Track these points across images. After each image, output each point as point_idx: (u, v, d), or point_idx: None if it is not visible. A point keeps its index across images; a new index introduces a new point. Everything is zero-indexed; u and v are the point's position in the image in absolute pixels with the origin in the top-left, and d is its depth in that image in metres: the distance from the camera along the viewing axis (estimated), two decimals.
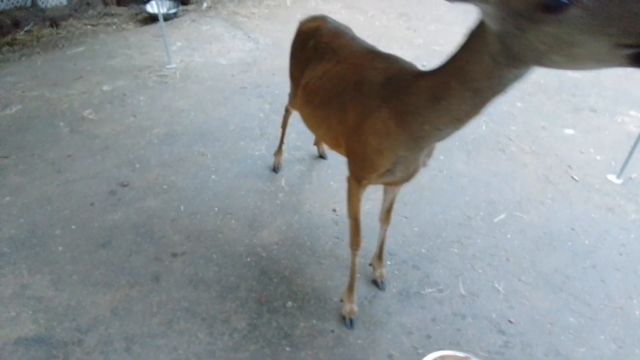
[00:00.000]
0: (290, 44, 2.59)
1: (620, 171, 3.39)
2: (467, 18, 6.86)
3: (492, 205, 3.11)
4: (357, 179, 1.93)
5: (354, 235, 2.15)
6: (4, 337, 2.15)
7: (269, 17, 6.55)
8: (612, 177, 3.42)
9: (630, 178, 3.41)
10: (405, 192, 3.18)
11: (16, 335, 2.16)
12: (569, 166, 3.54)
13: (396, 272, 2.59)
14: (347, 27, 2.37)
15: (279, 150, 3.35)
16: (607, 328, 2.31)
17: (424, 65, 5.16)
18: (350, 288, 2.27)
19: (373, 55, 1.93)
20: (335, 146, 2.12)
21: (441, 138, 1.57)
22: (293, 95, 2.71)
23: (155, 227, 2.84)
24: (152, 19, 6.46)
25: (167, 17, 6.57)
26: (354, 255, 2.21)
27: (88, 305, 2.33)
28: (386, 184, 2.04)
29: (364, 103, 1.75)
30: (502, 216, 3.02)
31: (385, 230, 2.38)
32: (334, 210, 3.01)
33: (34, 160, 3.39)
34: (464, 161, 3.55)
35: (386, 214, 2.32)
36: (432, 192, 3.20)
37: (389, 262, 2.63)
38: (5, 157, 3.39)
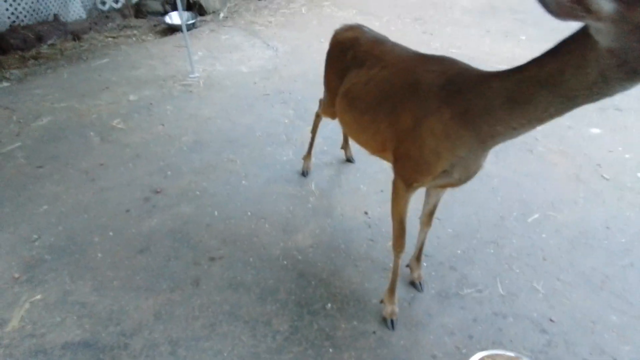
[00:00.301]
0: (326, 53, 2.62)
1: None
2: (483, 21, 6.88)
3: (525, 205, 3.10)
4: (408, 183, 1.92)
5: (399, 238, 2.16)
6: (51, 342, 2.19)
7: (285, 25, 6.62)
8: None
9: None
10: None
11: (63, 340, 2.20)
12: (599, 165, 3.51)
13: (433, 273, 2.59)
14: (384, 36, 2.40)
15: (308, 155, 3.38)
16: None
17: None
18: (392, 289, 2.28)
19: (424, 58, 1.95)
20: (378, 151, 2.13)
21: (512, 137, 1.55)
22: (328, 104, 2.73)
23: (191, 232, 2.88)
24: (171, 30, 6.58)
25: (187, 28, 6.68)
26: (397, 257, 2.22)
27: (131, 310, 2.36)
28: (442, 186, 2.03)
29: (421, 105, 1.75)
30: (536, 216, 3.00)
31: (426, 232, 2.39)
32: (366, 213, 3.03)
33: (68, 169, 3.46)
34: (492, 162, 3.55)
35: (428, 216, 2.33)
36: (463, 194, 3.20)
37: (425, 264, 2.63)
38: (40, 167, 3.47)
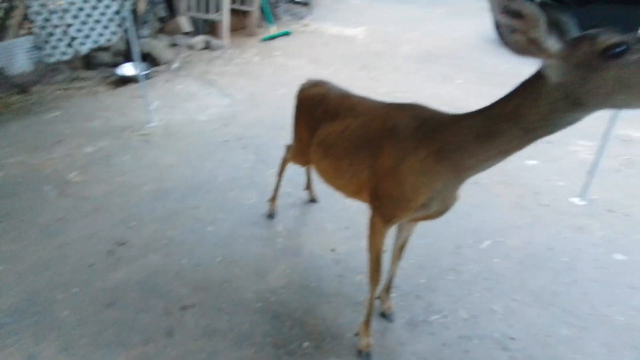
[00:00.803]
0: (295, 107, 2.80)
1: (582, 194, 3.76)
2: (424, 67, 7.47)
3: (477, 233, 3.35)
4: (387, 219, 2.08)
5: (374, 272, 2.29)
6: None
7: (239, 73, 6.86)
8: (575, 200, 3.78)
9: (592, 200, 3.78)
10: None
11: None
12: (537, 193, 3.88)
13: (401, 303, 2.73)
14: (348, 90, 2.62)
15: (273, 198, 3.49)
16: (597, 335, 2.53)
17: None
18: (367, 322, 2.39)
19: (397, 105, 2.16)
20: (355, 193, 2.29)
21: (483, 169, 1.76)
22: (298, 153, 2.89)
23: (160, 282, 2.86)
24: (124, 81, 6.61)
25: (140, 78, 6.73)
26: (372, 290, 2.34)
27: None
28: (420, 219, 2.19)
29: (399, 146, 1.94)
30: (488, 242, 3.26)
31: (397, 265, 2.55)
32: (333, 250, 3.15)
33: (24, 226, 3.35)
34: None
35: (399, 250, 2.49)
36: (421, 226, 3.35)
37: (393, 295, 2.77)
38: None
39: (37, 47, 7.25)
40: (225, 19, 8.16)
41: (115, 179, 3.99)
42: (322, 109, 2.48)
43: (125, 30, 7.56)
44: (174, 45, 8.24)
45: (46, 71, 7.19)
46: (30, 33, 7.32)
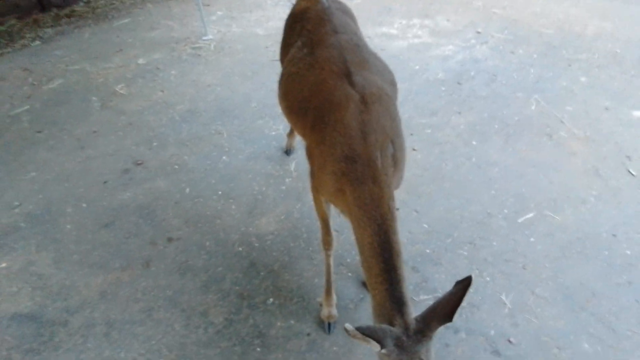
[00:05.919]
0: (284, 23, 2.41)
1: None
2: None
3: (521, 201, 2.73)
4: (314, 186, 1.85)
5: (324, 235, 2.05)
6: (3, 312, 2.30)
7: None
8: None
9: None
10: (421, 182, 2.90)
11: (13, 311, 2.31)
12: (628, 157, 2.99)
13: None
14: (339, 10, 2.14)
15: (292, 132, 3.19)
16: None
17: (478, 32, 4.63)
18: (328, 290, 2.14)
19: (346, 70, 1.73)
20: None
21: None
22: None
23: (158, 209, 2.86)
24: None
25: None
26: (326, 256, 2.09)
27: (81, 286, 2.42)
28: None
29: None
30: (530, 215, 2.64)
31: None
32: None
33: (63, 135, 3.54)
34: (499, 147, 3.14)
35: None
36: (453, 183, 2.88)
37: None
38: (39, 132, 3.59)
39: None
40: None
41: (155, 94, 3.99)
42: (298, 31, 2.11)
43: None
44: None
45: None
46: None
